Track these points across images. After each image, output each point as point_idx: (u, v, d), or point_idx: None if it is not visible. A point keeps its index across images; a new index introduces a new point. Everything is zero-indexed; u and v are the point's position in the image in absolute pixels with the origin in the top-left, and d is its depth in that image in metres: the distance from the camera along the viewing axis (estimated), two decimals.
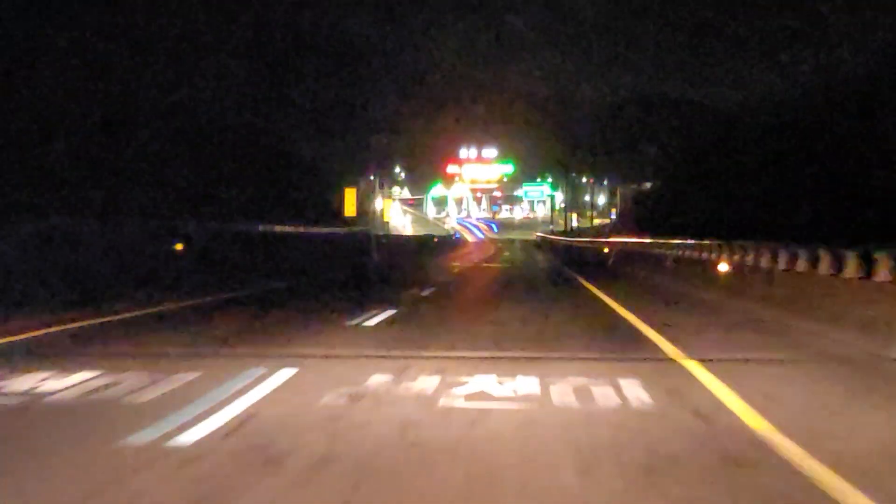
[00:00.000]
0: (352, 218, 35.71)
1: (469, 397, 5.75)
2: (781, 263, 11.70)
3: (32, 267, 12.74)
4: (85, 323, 9.87)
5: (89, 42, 20.16)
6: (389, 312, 11.60)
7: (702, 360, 7.39)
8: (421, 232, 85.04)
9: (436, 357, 7.59)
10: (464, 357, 7.63)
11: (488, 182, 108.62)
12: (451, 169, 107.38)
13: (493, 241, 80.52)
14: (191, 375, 6.40)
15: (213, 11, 30.91)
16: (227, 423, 4.86)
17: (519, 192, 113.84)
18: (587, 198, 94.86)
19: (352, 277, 20.70)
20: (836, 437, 4.77)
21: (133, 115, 20.70)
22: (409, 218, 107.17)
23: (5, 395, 5.68)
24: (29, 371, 6.47)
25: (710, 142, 48.24)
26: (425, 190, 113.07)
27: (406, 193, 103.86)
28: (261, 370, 6.61)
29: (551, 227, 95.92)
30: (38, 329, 9.10)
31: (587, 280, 19.65)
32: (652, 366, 7.27)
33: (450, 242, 65.69)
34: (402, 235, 60.95)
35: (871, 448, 4.53)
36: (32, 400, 5.52)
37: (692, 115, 63.00)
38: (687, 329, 10.01)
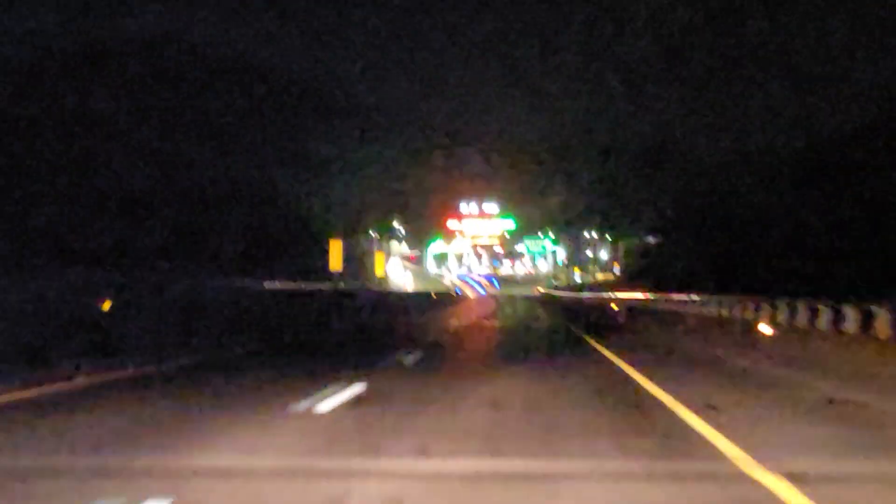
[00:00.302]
0: (338, 273, 33.62)
1: None
2: (850, 325, 9.24)
3: None
4: None
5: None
6: (356, 388, 9.12)
7: (790, 476, 4.90)
8: (422, 288, 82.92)
9: (394, 474, 5.10)
10: (438, 474, 5.14)
11: (490, 237, 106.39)
12: (452, 224, 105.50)
13: (494, 296, 78.27)
14: None
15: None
16: None
17: (520, 248, 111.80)
18: (589, 252, 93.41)
19: (329, 339, 18.21)
20: None
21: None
22: (409, 274, 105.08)
23: None
24: None
25: (714, 194, 47.60)
26: (426, 245, 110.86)
27: (405, 249, 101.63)
28: None
29: (554, 282, 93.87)
30: None
31: (598, 341, 17.17)
32: (716, 488, 4.78)
33: (450, 298, 63.47)
34: (395, 292, 58.65)
35: None
36: None
37: (695, 167, 62.57)
38: (743, 415, 7.53)
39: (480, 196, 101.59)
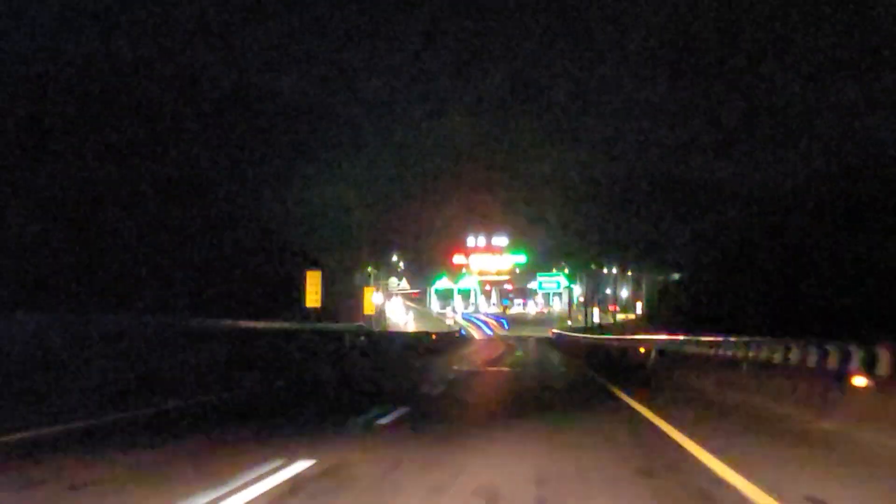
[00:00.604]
0: (315, 310, 31.53)
1: None
2: None
3: None
4: None
5: None
6: (298, 468, 6.88)
7: None
8: (424, 328, 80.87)
9: None
10: None
11: (498, 273, 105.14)
12: (458, 259, 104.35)
13: (503, 338, 76.57)
14: None
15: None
16: None
17: (532, 285, 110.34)
18: (609, 290, 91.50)
19: (291, 391, 15.89)
20: None
21: None
22: (411, 314, 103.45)
23: None
24: None
25: (747, 226, 46.09)
26: (429, 282, 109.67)
27: (405, 285, 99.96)
28: None
29: (569, 322, 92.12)
30: None
31: (627, 394, 14.92)
32: None
33: (453, 340, 61.59)
34: (389, 332, 56.82)
35: None
36: None
37: (721, 198, 61.06)
38: None
39: (489, 229, 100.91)
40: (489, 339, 76.60)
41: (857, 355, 10.23)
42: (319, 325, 29.22)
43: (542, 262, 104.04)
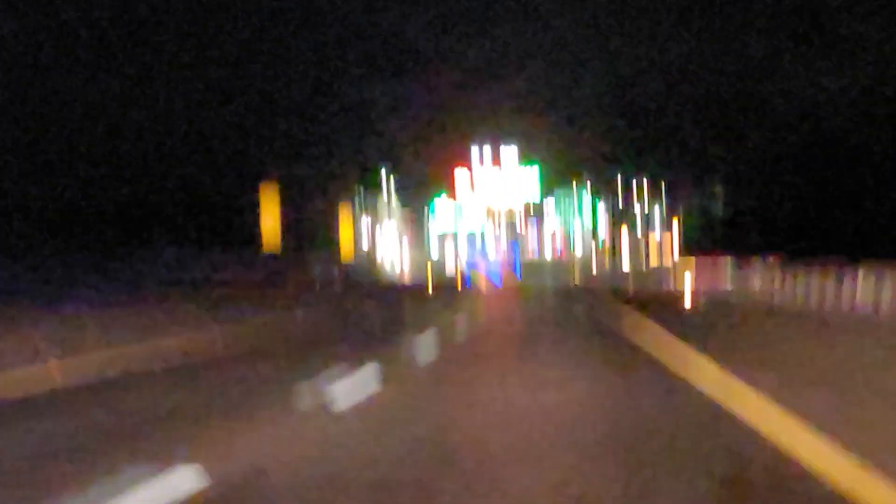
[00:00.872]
0: (273, 245, 29.99)
1: None
2: None
3: None
4: None
5: None
6: None
7: None
8: (420, 268, 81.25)
9: None
10: None
11: (509, 212, 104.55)
12: (460, 175, 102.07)
13: (516, 291, 75.43)
14: None
15: None
16: None
17: (548, 207, 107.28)
18: (638, 210, 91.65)
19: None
20: None
21: None
22: (404, 245, 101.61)
23: None
24: None
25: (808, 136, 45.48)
26: (425, 203, 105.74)
27: (395, 207, 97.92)
28: None
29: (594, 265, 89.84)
30: None
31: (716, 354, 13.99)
32: None
33: (454, 293, 60.46)
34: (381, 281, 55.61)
35: None
36: None
37: (767, 110, 60.17)
38: None
39: (497, 138, 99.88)
40: (498, 292, 75.54)
41: None
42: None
43: (559, 177, 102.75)
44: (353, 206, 60.27)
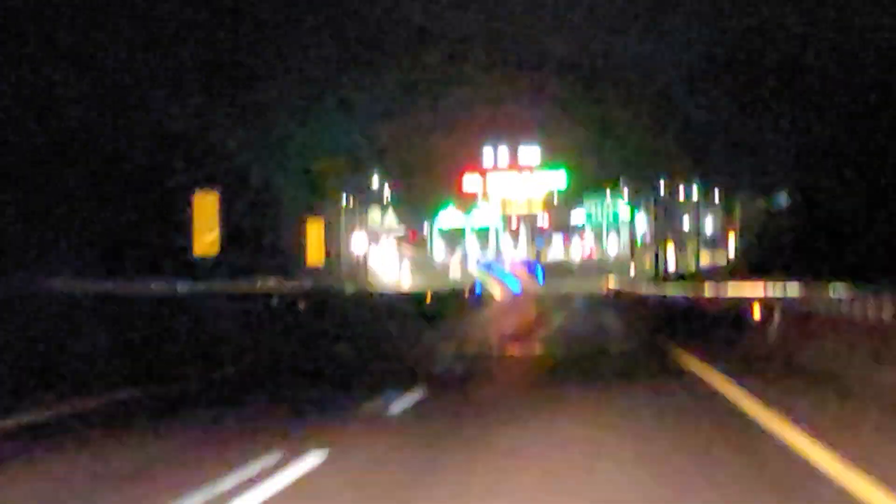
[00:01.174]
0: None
1: None
2: None
3: None
4: None
5: None
6: None
7: None
8: (424, 284, 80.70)
9: None
10: None
11: (529, 203, 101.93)
12: (470, 182, 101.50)
13: (537, 298, 74.31)
14: None
15: None
16: None
17: (577, 218, 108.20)
18: (686, 220, 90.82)
19: None
20: None
21: None
22: (406, 265, 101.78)
23: None
24: None
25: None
26: (429, 217, 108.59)
27: (392, 222, 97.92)
28: None
29: (632, 271, 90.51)
30: None
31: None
32: None
33: (462, 302, 59.68)
34: (377, 294, 55.37)
35: None
36: None
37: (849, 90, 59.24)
38: None
39: (514, 138, 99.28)
40: (516, 301, 74.65)
41: None
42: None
43: (589, 185, 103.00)
44: (340, 212, 60.13)
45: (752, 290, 29.52)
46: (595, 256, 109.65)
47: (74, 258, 25.62)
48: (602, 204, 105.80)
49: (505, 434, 10.89)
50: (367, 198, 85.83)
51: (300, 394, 15.37)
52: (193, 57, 38.41)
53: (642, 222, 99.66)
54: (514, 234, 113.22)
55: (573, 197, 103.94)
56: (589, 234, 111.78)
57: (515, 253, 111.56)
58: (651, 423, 11.52)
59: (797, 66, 70.23)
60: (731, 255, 73.94)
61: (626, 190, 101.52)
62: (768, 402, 12.02)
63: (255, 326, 25.60)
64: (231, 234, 30.27)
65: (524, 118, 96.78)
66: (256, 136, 42.76)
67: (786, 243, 53.45)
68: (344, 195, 71.71)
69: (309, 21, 57.00)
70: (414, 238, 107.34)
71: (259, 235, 39.67)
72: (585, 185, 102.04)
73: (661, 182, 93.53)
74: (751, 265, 56.28)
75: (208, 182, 30.47)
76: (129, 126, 30.74)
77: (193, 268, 29.14)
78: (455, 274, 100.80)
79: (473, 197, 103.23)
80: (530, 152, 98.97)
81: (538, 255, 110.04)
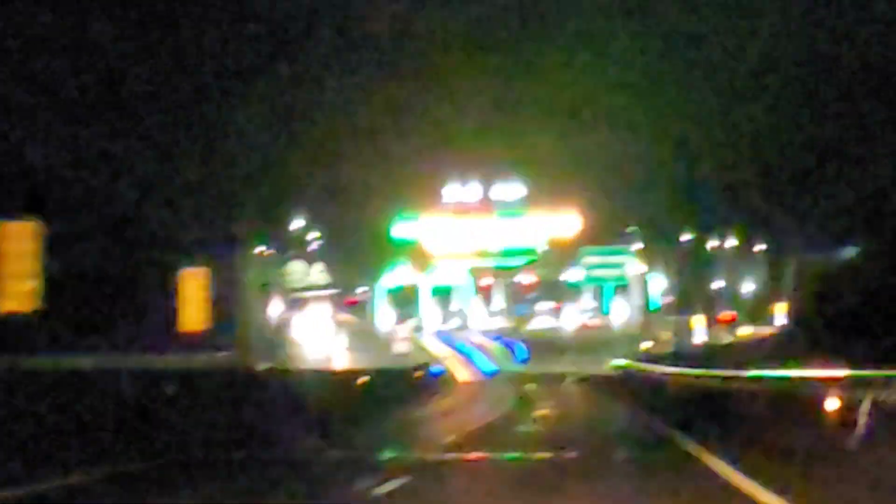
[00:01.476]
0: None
1: None
2: None
3: None
4: None
5: None
6: None
7: None
8: (364, 362, 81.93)
9: None
10: None
11: (507, 255, 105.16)
12: (428, 227, 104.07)
13: (516, 380, 74.32)
14: None
15: None
16: None
17: (572, 276, 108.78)
18: (718, 283, 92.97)
19: None
20: None
21: None
22: (343, 336, 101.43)
23: None
24: None
25: None
26: (373, 274, 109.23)
27: (319, 278, 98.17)
28: None
29: (644, 343, 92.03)
30: None
31: None
32: None
33: (410, 386, 59.58)
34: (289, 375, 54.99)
35: None
36: None
37: None
38: None
39: (487, 172, 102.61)
40: (487, 385, 74.74)
41: None
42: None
43: (589, 234, 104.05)
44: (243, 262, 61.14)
45: (821, 369, 29.04)
46: (597, 324, 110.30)
47: None
48: (606, 259, 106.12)
49: None
50: (284, 246, 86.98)
51: None
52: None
53: (659, 283, 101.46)
54: (487, 297, 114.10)
55: (567, 249, 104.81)
56: (588, 296, 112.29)
57: (488, 321, 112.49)
58: None
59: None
60: (780, 323, 75.89)
61: (636, 242, 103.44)
62: None
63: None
64: (64, 281, 30.24)
65: (502, 151, 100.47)
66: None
67: (860, 310, 54.30)
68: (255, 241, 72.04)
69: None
70: (352, 301, 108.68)
71: (108, 287, 39.26)
72: (584, 234, 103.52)
73: (685, 234, 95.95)
74: (809, 338, 56.58)
75: (27, 210, 30.51)
76: None
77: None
78: (404, 348, 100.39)
79: (432, 248, 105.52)
80: (510, 191, 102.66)
81: (520, 323, 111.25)
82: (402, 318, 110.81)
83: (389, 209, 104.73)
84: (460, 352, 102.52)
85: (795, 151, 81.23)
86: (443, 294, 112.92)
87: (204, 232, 55.24)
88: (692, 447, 25.43)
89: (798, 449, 21.76)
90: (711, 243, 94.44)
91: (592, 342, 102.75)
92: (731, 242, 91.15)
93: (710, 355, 71.00)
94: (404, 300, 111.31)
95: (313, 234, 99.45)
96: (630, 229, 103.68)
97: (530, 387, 64.03)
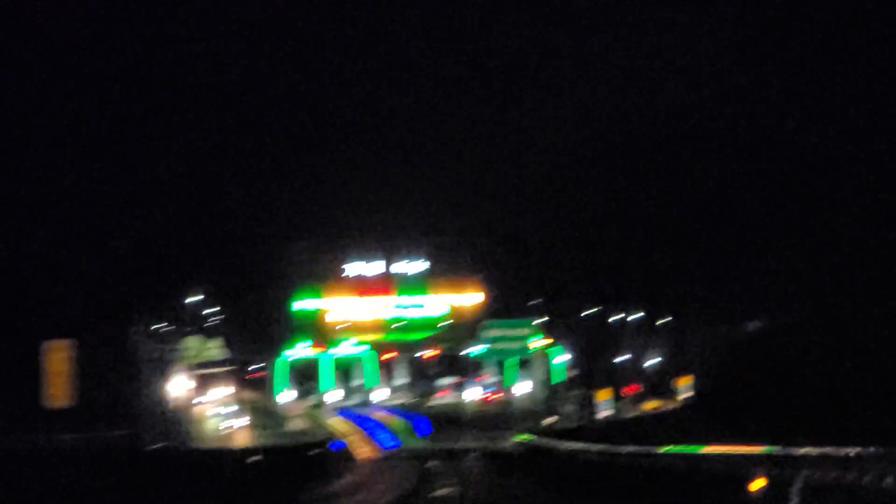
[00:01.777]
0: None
1: None
2: None
3: None
4: None
5: None
6: None
7: None
8: (266, 437, 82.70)
9: None
10: None
11: (409, 330, 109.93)
12: (329, 303, 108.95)
13: (417, 455, 72.84)
14: None
15: None
16: None
17: (474, 348, 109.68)
18: (623, 356, 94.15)
19: None
20: None
21: None
22: (243, 407, 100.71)
23: None
24: None
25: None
26: (272, 349, 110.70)
27: (213, 350, 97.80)
28: None
29: (548, 419, 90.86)
30: None
31: None
32: None
33: (306, 464, 57.83)
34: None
35: None
36: None
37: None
38: None
39: (390, 247, 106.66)
40: (387, 461, 73.30)
41: None
42: None
43: (490, 308, 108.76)
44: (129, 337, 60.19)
45: (742, 446, 27.42)
46: (498, 397, 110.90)
47: None
48: (508, 331, 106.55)
49: None
50: (182, 321, 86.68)
51: None
52: None
53: (563, 356, 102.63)
54: (389, 371, 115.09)
55: (470, 323, 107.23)
56: (490, 370, 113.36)
57: (390, 395, 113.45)
58: None
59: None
60: (685, 395, 77.36)
61: (539, 315, 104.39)
62: None
63: None
64: None
65: (408, 226, 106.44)
66: None
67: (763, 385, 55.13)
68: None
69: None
70: (253, 375, 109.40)
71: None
72: (486, 307, 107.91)
73: (588, 307, 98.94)
74: (715, 411, 58.23)
75: None
76: None
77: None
78: (302, 423, 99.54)
79: (334, 323, 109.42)
80: (412, 266, 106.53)
81: (421, 398, 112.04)
82: (303, 394, 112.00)
83: (291, 285, 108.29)
84: (361, 426, 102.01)
85: (698, 229, 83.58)
86: (344, 368, 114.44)
87: (91, 305, 53.58)
88: None
89: None
90: (615, 316, 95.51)
91: (495, 416, 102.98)
92: (635, 315, 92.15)
93: (615, 429, 70.40)
94: (305, 375, 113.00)
95: (213, 309, 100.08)
96: (532, 303, 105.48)
97: (432, 463, 62.21)
